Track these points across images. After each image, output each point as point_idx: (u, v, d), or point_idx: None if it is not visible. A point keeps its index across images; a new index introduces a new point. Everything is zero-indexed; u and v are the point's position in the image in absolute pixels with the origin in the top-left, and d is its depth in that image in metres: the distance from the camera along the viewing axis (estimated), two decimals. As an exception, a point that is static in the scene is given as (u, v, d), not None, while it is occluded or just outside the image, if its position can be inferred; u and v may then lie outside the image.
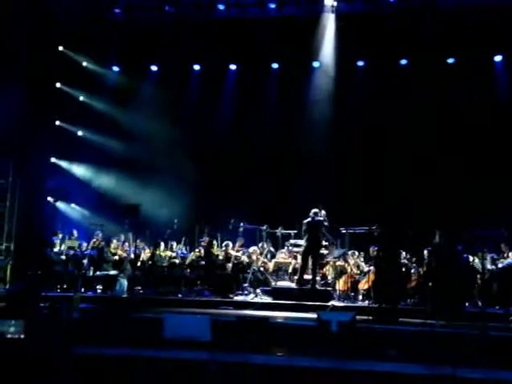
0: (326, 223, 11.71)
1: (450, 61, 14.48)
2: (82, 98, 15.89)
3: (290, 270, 12.41)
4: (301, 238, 11.95)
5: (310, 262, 11.61)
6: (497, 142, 13.66)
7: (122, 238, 12.90)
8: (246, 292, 11.96)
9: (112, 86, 15.71)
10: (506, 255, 11.55)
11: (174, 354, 6.30)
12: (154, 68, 15.75)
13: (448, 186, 13.45)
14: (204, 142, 15.06)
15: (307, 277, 11.62)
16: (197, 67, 15.70)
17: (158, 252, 12.47)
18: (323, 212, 11.73)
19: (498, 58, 14.33)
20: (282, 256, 12.84)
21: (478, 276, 11.30)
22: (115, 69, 15.95)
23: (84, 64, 15.83)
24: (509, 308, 9.57)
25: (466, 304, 11.10)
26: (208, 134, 15.12)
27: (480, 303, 10.40)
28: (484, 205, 12.78)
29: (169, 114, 14.93)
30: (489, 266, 11.54)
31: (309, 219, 11.54)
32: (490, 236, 11.14)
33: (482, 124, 13.75)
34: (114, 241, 12.62)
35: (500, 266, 11.11)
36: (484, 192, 13.11)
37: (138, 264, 12.43)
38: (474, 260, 11.63)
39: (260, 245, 12.90)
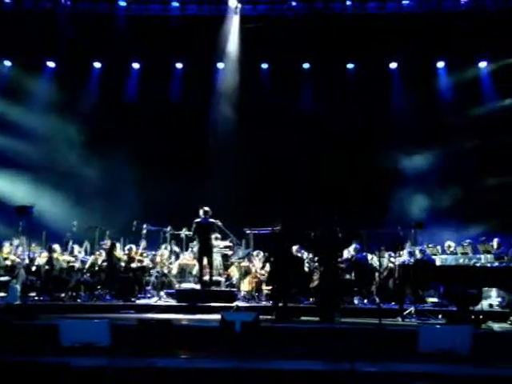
0: (219, 223, 11.64)
1: (350, 66, 15.06)
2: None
3: (194, 272, 12.31)
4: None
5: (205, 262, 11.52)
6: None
7: (16, 241, 12.16)
8: (149, 295, 11.73)
9: (3, 81, 14.80)
10: (401, 253, 12.08)
11: (71, 361, 6.03)
12: (50, 64, 15.03)
13: (347, 188, 14.05)
14: (104, 141, 14.52)
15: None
16: (97, 65, 15.19)
17: (54, 256, 11.87)
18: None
19: (393, 65, 15.05)
20: (186, 258, 12.71)
21: (376, 273, 11.74)
22: (7, 63, 15.02)
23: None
24: (403, 304, 10.00)
25: (365, 301, 11.55)
26: (107, 133, 14.59)
27: (377, 299, 10.80)
28: (381, 205, 13.41)
29: (67, 112, 14.31)
30: (386, 264, 12.03)
31: (199, 220, 11.42)
32: (387, 234, 11.69)
33: (376, 129, 14.46)
34: (7, 245, 11.86)
35: (397, 263, 11.58)
36: (381, 193, 13.81)
37: (33, 269, 11.77)
38: (372, 258, 12.09)
39: (163, 246, 12.69)
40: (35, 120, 14.37)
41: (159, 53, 14.55)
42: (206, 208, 11.42)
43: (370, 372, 5.84)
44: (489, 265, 11.04)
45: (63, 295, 11.34)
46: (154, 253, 12.58)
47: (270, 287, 10.84)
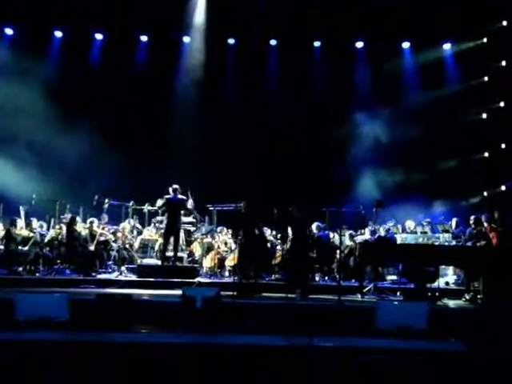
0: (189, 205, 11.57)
1: (317, 44, 15.04)
2: None
3: (156, 247, 12.24)
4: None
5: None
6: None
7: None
8: (109, 270, 11.62)
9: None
10: (363, 231, 12.25)
11: (27, 336, 5.94)
12: (8, 31, 14.51)
13: (310, 167, 14.14)
14: (66, 113, 14.04)
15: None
16: (58, 34, 14.74)
17: (14, 230, 11.61)
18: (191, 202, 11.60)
19: (359, 45, 15.11)
20: (148, 233, 12.62)
21: (338, 252, 11.87)
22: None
23: None
24: (363, 281, 10.16)
25: (326, 278, 11.71)
26: (69, 104, 14.15)
27: (338, 277, 10.94)
28: (341, 184, 13.57)
29: (27, 81, 13.78)
30: (347, 242, 12.18)
31: (169, 196, 11.29)
32: (349, 213, 11.83)
33: (340, 108, 14.54)
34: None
35: (357, 241, 11.72)
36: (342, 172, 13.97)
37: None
38: (334, 236, 12.22)
39: (126, 221, 12.55)
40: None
41: (123, 24, 14.22)
42: (176, 185, 11.30)
43: (329, 347, 5.93)
44: (446, 244, 11.30)
45: (21, 269, 11.13)
46: (115, 227, 12.43)
47: (232, 263, 10.91)
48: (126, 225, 12.28)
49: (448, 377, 5.54)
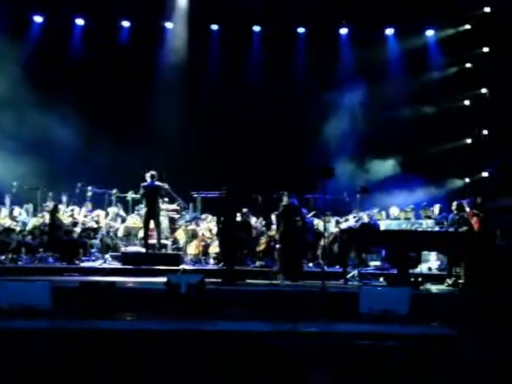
0: (166, 187, 11.52)
1: (301, 30, 14.98)
2: None
3: (140, 235, 12.18)
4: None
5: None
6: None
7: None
8: (93, 258, 11.56)
9: None
10: (347, 218, 12.31)
11: (9, 324, 5.90)
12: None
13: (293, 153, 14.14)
14: (46, 97, 13.72)
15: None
16: (39, 19, 14.48)
17: (-4, 218, 11.51)
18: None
19: (343, 31, 15.08)
20: (132, 220, 12.55)
21: (322, 238, 11.91)
22: None
23: None
24: (347, 267, 10.20)
25: (310, 264, 11.75)
26: (50, 89, 13.82)
27: (322, 263, 10.99)
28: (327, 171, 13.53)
29: (8, 68, 13.55)
30: (332, 229, 12.22)
31: (146, 183, 11.23)
32: (333, 200, 11.87)
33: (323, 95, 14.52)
34: None
35: (342, 227, 11.78)
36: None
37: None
38: (318, 223, 12.25)
39: (110, 209, 12.48)
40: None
41: (105, 9, 14.05)
42: (153, 172, 11.26)
43: (312, 332, 5.97)
44: (429, 229, 11.39)
45: (3, 258, 11.03)
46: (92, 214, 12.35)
47: (217, 250, 10.90)
48: (100, 212, 12.18)
49: (430, 361, 5.60)
